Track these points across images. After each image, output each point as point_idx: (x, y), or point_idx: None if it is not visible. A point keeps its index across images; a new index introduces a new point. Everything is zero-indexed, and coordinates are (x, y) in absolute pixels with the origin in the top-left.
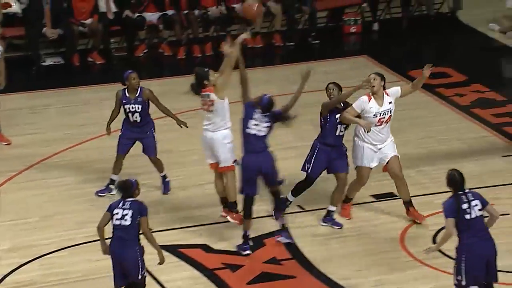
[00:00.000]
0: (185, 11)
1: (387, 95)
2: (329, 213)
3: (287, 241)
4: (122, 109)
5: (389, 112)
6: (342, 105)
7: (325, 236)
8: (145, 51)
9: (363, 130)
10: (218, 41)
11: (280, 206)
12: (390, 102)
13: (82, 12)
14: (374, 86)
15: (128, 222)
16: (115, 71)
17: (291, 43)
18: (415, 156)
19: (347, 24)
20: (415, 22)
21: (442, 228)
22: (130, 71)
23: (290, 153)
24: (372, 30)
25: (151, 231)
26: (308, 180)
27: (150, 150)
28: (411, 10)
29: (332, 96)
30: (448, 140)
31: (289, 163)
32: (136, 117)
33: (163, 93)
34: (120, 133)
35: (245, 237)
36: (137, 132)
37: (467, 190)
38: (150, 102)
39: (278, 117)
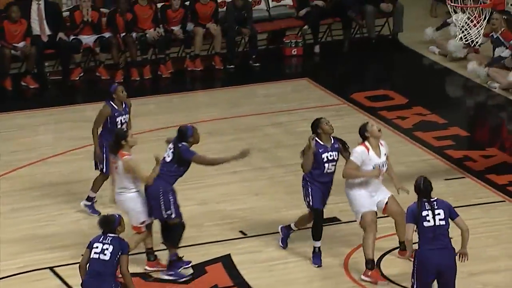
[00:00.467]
0: (122, 34)
1: (381, 145)
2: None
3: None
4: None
5: (385, 165)
6: (314, 147)
7: (269, 262)
8: (81, 74)
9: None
10: (156, 64)
11: None
12: (385, 154)
13: (14, 35)
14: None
15: (107, 257)
16: (50, 95)
17: (231, 66)
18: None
19: (288, 46)
20: (356, 44)
21: (387, 252)
22: (116, 83)
23: (234, 178)
24: (313, 52)
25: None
26: (315, 213)
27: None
28: (352, 32)
29: None
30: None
31: (232, 188)
32: (124, 129)
33: None
34: (104, 150)
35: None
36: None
37: (434, 199)
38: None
39: None
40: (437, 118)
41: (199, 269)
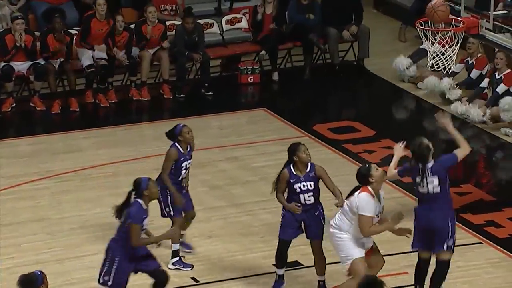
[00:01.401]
0: (60, 59)
1: (380, 189)
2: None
3: None
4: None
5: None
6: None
7: None
8: (13, 105)
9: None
10: (97, 93)
11: None
12: (382, 197)
13: None
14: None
15: None
16: None
17: (181, 95)
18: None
19: (243, 73)
20: (318, 71)
21: None
22: (182, 124)
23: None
24: (271, 80)
25: None
26: (279, 242)
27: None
28: (314, 58)
29: None
30: None
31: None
32: (184, 175)
33: (35, 152)
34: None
35: None
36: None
37: (430, 165)
38: None
39: None
40: (407, 153)
41: None
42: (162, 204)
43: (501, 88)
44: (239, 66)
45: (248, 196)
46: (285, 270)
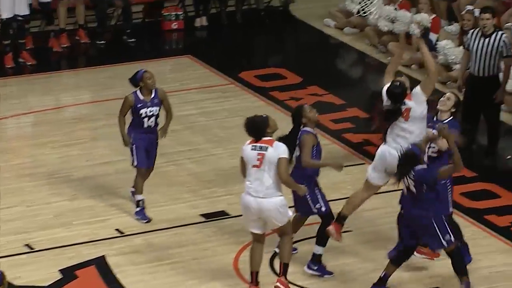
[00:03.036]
0: None
1: None
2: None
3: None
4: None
5: None
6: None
7: (151, 263)
8: None
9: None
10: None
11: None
12: None
13: None
14: None
15: None
16: None
17: (101, 42)
18: None
19: (167, 19)
20: (243, 17)
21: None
22: (143, 70)
23: (108, 170)
24: (196, 26)
25: None
26: (326, 218)
27: (153, 160)
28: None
29: None
30: None
31: (106, 181)
32: (151, 122)
33: None
34: (131, 143)
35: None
36: (149, 140)
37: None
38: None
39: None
40: (334, 99)
41: (69, 274)
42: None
43: (433, 37)
44: (162, 12)
45: (173, 146)
46: (212, 220)
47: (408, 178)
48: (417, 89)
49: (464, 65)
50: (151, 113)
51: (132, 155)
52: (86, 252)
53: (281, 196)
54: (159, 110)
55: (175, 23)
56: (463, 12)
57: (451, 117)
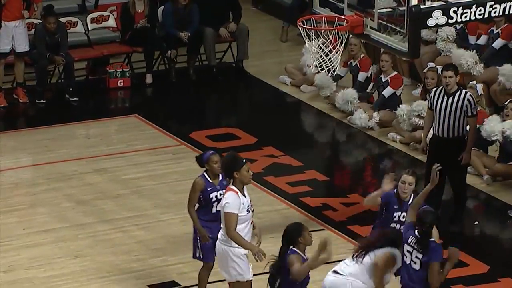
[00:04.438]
0: None
1: None
2: None
3: None
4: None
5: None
6: None
7: None
8: None
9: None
10: None
11: None
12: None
13: None
14: None
15: None
16: None
17: (41, 101)
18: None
19: (112, 77)
20: (195, 74)
21: None
22: (211, 151)
23: (46, 237)
24: (144, 83)
25: None
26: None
27: None
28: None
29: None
30: None
31: (45, 250)
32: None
33: None
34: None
35: None
36: (218, 230)
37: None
38: None
39: None
40: (291, 161)
41: None
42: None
43: (387, 92)
44: (108, 68)
45: (120, 211)
46: None
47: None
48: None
49: (428, 126)
50: (221, 197)
51: (198, 247)
52: None
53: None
54: None
55: (121, 81)
56: (425, 70)
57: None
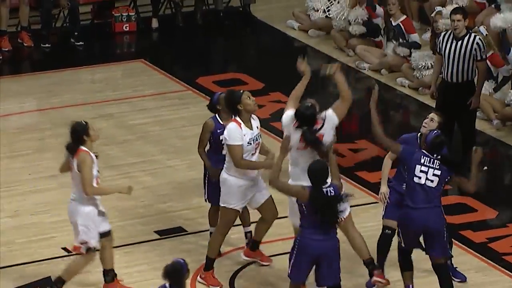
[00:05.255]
0: None
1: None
2: None
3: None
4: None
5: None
6: None
7: (99, 285)
8: None
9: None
10: None
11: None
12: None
13: None
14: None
15: None
16: None
17: (46, 45)
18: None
19: (118, 21)
20: (201, 18)
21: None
22: (219, 92)
23: (52, 183)
24: (150, 27)
25: None
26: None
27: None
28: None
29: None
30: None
31: (51, 195)
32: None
33: None
34: (206, 179)
35: None
36: None
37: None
38: None
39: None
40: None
41: None
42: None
43: (414, 38)
44: (113, 12)
45: (125, 157)
46: (167, 238)
47: (430, 166)
48: (329, 112)
49: (437, 71)
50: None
51: (204, 188)
52: (30, 273)
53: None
54: None
55: (126, 25)
56: (432, 14)
57: None
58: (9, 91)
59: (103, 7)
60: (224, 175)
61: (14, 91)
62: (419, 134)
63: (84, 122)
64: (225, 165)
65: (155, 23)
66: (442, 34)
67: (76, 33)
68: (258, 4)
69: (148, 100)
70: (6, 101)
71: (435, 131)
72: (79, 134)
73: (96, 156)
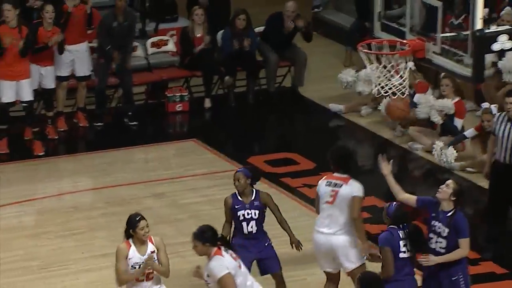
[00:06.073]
0: None
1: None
2: None
3: None
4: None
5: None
6: None
7: None
8: None
9: None
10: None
11: None
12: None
13: None
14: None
15: None
16: None
17: (99, 124)
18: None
19: (171, 101)
20: (253, 98)
21: None
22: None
23: (105, 261)
24: (203, 107)
25: None
26: None
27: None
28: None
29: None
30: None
31: (105, 274)
32: (251, 228)
33: None
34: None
35: None
36: (254, 246)
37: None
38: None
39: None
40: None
41: None
42: None
43: (458, 123)
44: (167, 93)
45: (177, 236)
46: None
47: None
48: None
49: (491, 151)
50: (249, 216)
51: None
52: None
53: (352, 236)
54: (260, 214)
55: (179, 105)
56: (477, 113)
57: (454, 209)
58: (65, 171)
59: (157, 88)
60: None
61: (69, 170)
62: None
63: (137, 218)
64: None
65: (207, 103)
66: (497, 115)
67: (130, 113)
68: (310, 84)
69: (199, 179)
70: (61, 180)
71: (395, 203)
72: (128, 227)
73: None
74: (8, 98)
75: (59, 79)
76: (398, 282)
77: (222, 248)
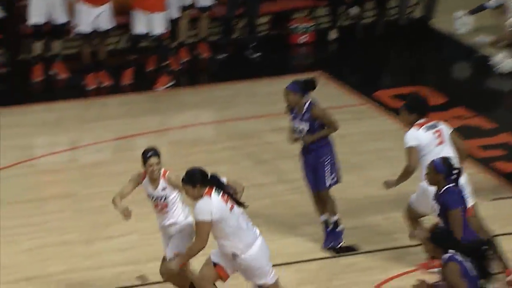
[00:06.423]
0: None
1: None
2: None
3: None
4: None
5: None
6: None
7: None
8: None
9: None
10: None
11: None
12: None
13: None
14: None
15: None
16: None
17: (222, 55)
18: (381, 199)
19: (295, 32)
20: (381, 29)
21: None
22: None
23: None
24: (328, 39)
25: None
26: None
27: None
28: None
29: None
30: None
31: None
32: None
33: (60, 121)
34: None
35: None
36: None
37: None
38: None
39: None
40: (483, 122)
41: None
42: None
43: None
44: (290, 24)
45: (298, 171)
46: (339, 256)
47: None
48: None
49: None
50: (301, 128)
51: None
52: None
53: None
54: (310, 128)
55: (304, 36)
56: None
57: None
58: (189, 103)
59: (280, 18)
60: None
61: (192, 103)
62: None
63: (148, 154)
64: None
65: (333, 35)
66: None
67: (253, 44)
68: (442, 15)
69: None
70: (183, 113)
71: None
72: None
73: None
74: (139, 29)
75: (182, 8)
76: None
77: (214, 189)
